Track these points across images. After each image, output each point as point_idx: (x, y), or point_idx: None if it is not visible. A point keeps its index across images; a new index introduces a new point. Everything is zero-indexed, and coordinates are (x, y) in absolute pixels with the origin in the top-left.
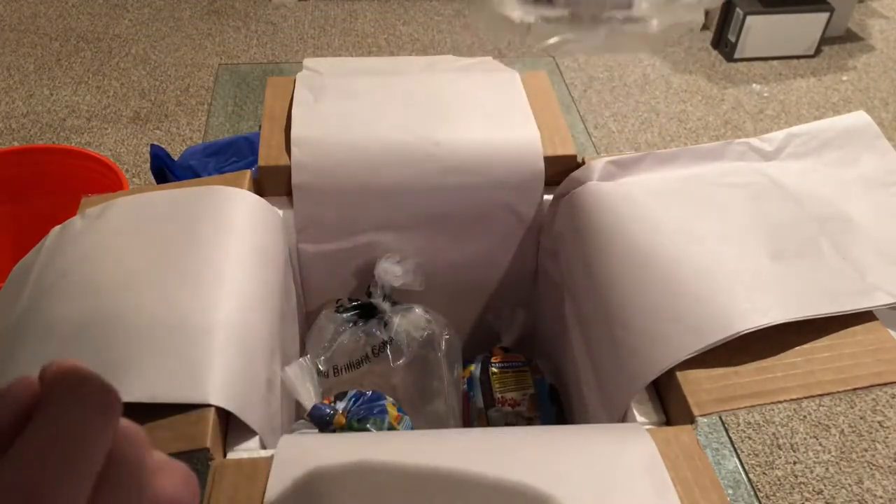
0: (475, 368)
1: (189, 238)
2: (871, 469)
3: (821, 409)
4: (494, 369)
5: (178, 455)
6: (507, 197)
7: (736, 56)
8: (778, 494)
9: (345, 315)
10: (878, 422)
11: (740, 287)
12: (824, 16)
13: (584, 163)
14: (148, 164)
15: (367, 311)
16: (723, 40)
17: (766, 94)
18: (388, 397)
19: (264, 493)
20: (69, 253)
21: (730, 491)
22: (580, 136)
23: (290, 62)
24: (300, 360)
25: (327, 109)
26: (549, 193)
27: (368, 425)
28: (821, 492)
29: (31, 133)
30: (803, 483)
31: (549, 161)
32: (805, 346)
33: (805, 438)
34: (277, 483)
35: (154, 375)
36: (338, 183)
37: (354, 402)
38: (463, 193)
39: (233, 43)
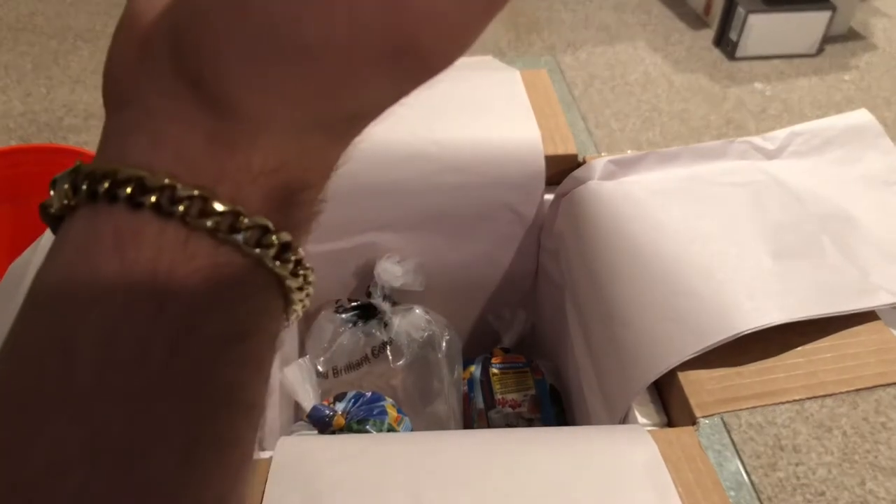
0: (475, 369)
1: None
2: (873, 471)
3: (823, 409)
4: (495, 370)
5: None
6: (507, 196)
7: (738, 55)
8: (780, 496)
9: (344, 315)
10: (881, 423)
11: (742, 287)
12: (826, 14)
13: (584, 162)
14: None
15: (366, 312)
16: (724, 39)
17: (768, 93)
18: (387, 398)
19: (263, 495)
20: None
21: (731, 493)
22: (581, 134)
23: None
24: (299, 360)
25: None
26: (549, 193)
27: (368, 426)
28: (823, 493)
29: (29, 132)
30: (805, 485)
31: (550, 160)
32: (807, 346)
33: (807, 440)
34: (276, 485)
35: None
36: (337, 182)
37: (354, 404)
38: (463, 193)
39: None
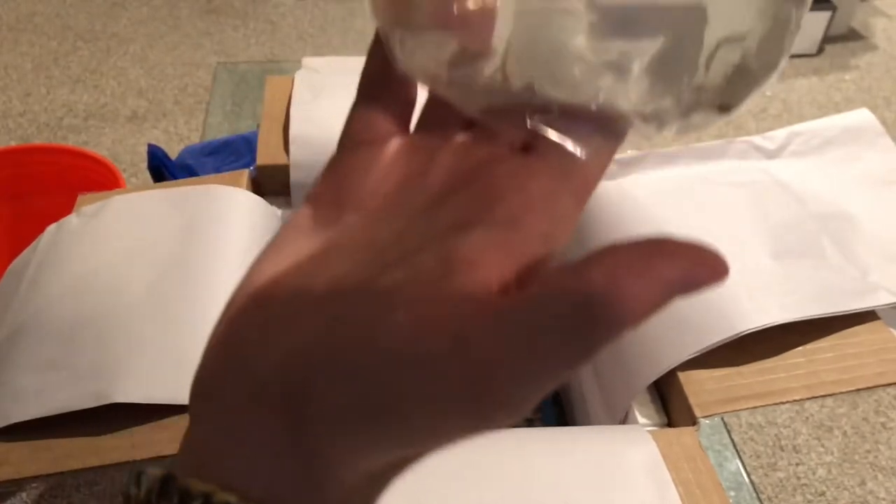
0: None
1: (186, 237)
2: (873, 471)
3: (823, 410)
4: None
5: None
6: None
7: None
8: (780, 496)
9: None
10: (881, 423)
11: (742, 287)
12: (826, 14)
13: None
14: (145, 164)
15: None
16: None
17: (768, 93)
18: None
19: None
20: (65, 252)
21: (732, 493)
22: None
23: (289, 61)
24: None
25: (326, 108)
26: None
27: None
28: (823, 493)
29: (29, 132)
30: (805, 485)
31: None
32: (808, 346)
33: (807, 440)
34: None
35: (151, 376)
36: None
37: None
38: None
39: (231, 42)
